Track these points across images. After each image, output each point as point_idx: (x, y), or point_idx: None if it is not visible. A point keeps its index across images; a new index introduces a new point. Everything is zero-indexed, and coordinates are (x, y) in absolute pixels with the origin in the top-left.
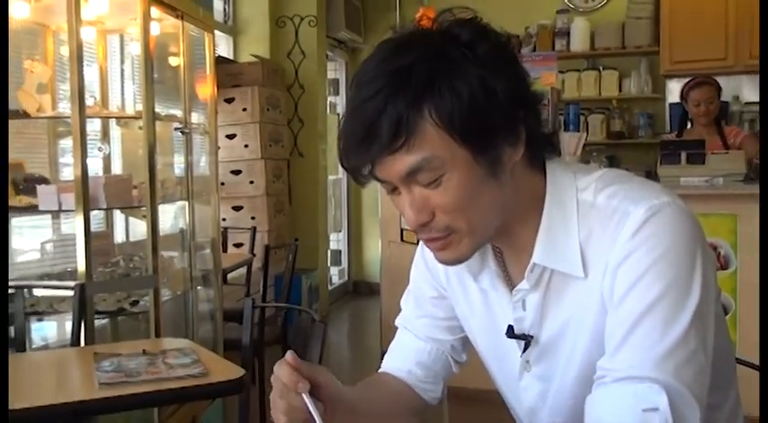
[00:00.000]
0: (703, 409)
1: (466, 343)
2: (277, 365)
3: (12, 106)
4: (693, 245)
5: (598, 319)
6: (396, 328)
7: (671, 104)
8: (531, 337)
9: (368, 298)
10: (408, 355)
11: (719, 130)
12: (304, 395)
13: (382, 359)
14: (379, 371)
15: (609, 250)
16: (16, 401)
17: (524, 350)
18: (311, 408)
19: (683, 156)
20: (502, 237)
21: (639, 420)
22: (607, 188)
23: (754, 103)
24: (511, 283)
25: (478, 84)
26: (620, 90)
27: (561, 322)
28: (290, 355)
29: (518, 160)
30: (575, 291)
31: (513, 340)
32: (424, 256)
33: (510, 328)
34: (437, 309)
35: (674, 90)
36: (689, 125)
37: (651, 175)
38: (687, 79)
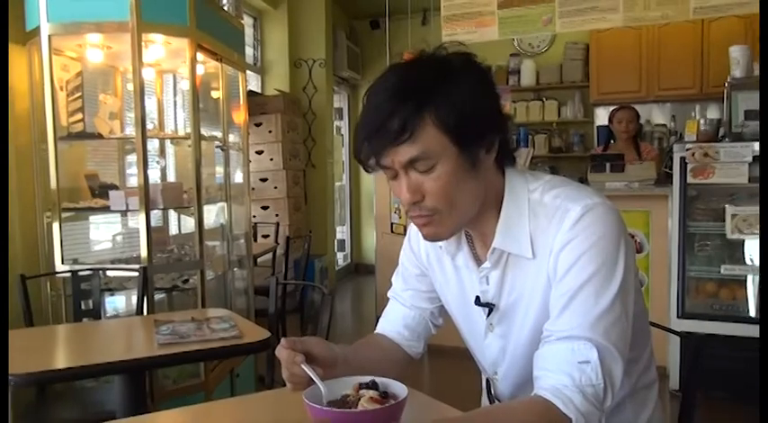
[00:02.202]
0: (625, 362)
1: (442, 310)
2: (277, 349)
3: (89, 130)
4: (618, 235)
5: (545, 291)
6: (387, 299)
7: (598, 126)
8: (493, 304)
9: (366, 276)
10: (397, 319)
11: (636, 146)
12: (303, 365)
13: (377, 323)
14: (375, 332)
15: (553, 238)
16: (95, 358)
17: (488, 315)
18: (310, 373)
19: (608, 166)
20: (472, 225)
21: (576, 370)
22: (552, 190)
23: (661, 124)
24: (478, 262)
25: (468, 99)
26: (559, 115)
27: (516, 293)
28: (284, 340)
29: (490, 164)
30: (526, 269)
31: (479, 308)
32: (410, 243)
33: (477, 298)
34: (420, 283)
35: (600, 115)
36: (612, 142)
37: (583, 181)
38: (612, 106)
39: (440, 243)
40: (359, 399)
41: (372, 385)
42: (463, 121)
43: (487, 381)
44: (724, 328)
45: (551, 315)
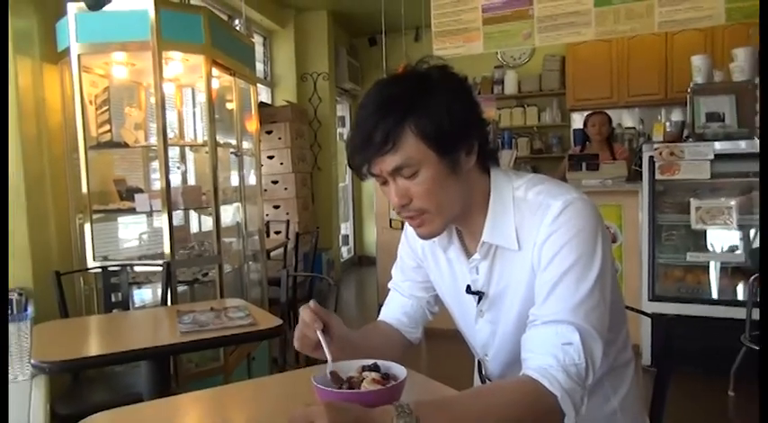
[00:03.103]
0: (604, 343)
1: (437, 299)
2: (302, 308)
3: (116, 139)
4: (595, 227)
5: (530, 280)
6: (388, 289)
7: (574, 129)
8: (483, 293)
9: (368, 267)
10: (396, 308)
11: (610, 147)
12: (318, 332)
13: (379, 310)
14: (377, 319)
15: (536, 231)
16: (123, 346)
17: (478, 302)
18: (323, 340)
19: (584, 165)
20: (462, 222)
21: (560, 351)
22: (534, 187)
23: (631, 127)
24: (468, 254)
25: (445, 108)
26: (539, 120)
27: (504, 282)
28: (313, 302)
29: (472, 166)
30: (512, 260)
31: (470, 295)
32: (407, 237)
33: (468, 286)
34: (416, 275)
35: (576, 120)
36: (588, 143)
37: (563, 179)
38: (586, 112)
39: (433, 239)
40: (362, 380)
41: (374, 368)
42: (441, 129)
43: (479, 361)
44: (690, 310)
45: (536, 301)
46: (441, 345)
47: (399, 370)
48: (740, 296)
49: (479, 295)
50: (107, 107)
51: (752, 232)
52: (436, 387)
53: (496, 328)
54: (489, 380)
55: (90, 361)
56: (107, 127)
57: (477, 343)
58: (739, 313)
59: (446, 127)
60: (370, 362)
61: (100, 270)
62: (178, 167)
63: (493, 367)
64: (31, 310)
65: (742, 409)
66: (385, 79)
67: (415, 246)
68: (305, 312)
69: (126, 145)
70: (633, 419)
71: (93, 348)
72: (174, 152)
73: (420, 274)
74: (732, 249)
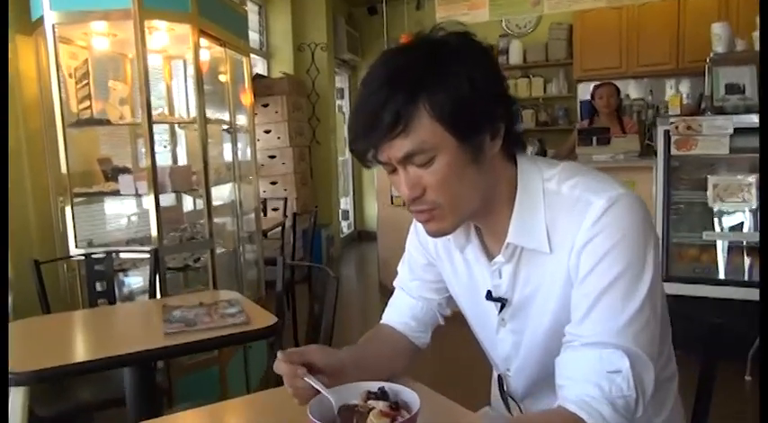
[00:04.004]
0: (656, 367)
1: (450, 301)
2: (276, 364)
3: (98, 115)
4: (645, 230)
5: (564, 288)
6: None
7: (581, 101)
8: (506, 299)
9: (368, 243)
10: (404, 310)
11: (619, 120)
12: (306, 378)
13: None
14: (381, 322)
15: (574, 233)
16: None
17: (500, 310)
18: (315, 384)
19: (594, 139)
20: (481, 219)
21: (605, 380)
22: (569, 179)
23: (639, 98)
24: (489, 256)
25: (466, 82)
26: (545, 91)
27: (531, 288)
28: (281, 354)
29: (496, 152)
30: (542, 263)
31: (491, 302)
32: (417, 232)
33: (489, 292)
34: (427, 274)
35: (583, 91)
36: (596, 116)
37: (571, 154)
38: (594, 82)
39: (448, 236)
40: (369, 410)
41: (382, 395)
42: (461, 108)
43: (499, 377)
44: (705, 291)
45: (573, 317)
46: (449, 329)
47: (410, 397)
48: (758, 277)
49: (502, 302)
50: (87, 81)
51: None
52: (448, 407)
53: (521, 340)
54: (512, 398)
55: (67, 369)
56: (88, 103)
57: (499, 356)
58: (757, 295)
59: (468, 105)
60: (375, 387)
61: (83, 258)
62: (165, 146)
63: (516, 383)
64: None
65: (756, 394)
66: (393, 49)
67: (425, 241)
68: (280, 366)
69: (108, 122)
70: None
71: (72, 354)
72: (163, 129)
73: (431, 272)
74: (750, 228)
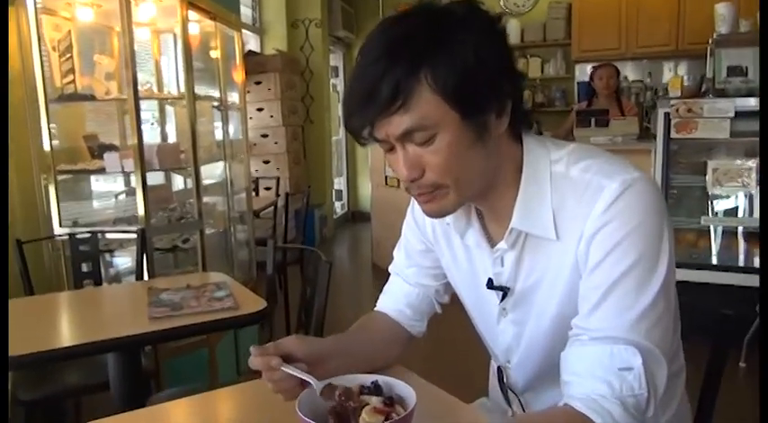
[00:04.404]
0: (669, 364)
1: (448, 287)
2: (249, 361)
3: (83, 90)
4: (661, 218)
5: (571, 278)
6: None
7: (578, 82)
8: (508, 288)
9: (362, 223)
10: (399, 297)
11: (618, 102)
12: (283, 368)
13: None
14: (375, 309)
15: (584, 220)
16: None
17: (502, 299)
18: (293, 371)
19: (593, 121)
20: (484, 201)
21: (616, 378)
22: (580, 162)
23: (638, 80)
24: (491, 242)
25: (472, 53)
26: (542, 72)
27: (535, 277)
28: (253, 349)
29: (502, 131)
30: (548, 251)
31: (492, 291)
32: (414, 215)
33: (490, 280)
34: (424, 259)
35: (581, 72)
36: (595, 98)
37: (569, 135)
38: (592, 63)
39: (447, 220)
40: (361, 406)
41: (375, 390)
42: (466, 81)
43: (499, 369)
44: (702, 276)
45: (582, 309)
46: (444, 311)
47: (406, 392)
48: (756, 263)
49: (504, 291)
50: (71, 54)
51: None
52: (443, 399)
53: (522, 331)
54: (512, 391)
55: (49, 355)
56: (72, 77)
57: (499, 347)
58: (755, 281)
59: (473, 79)
60: (368, 380)
61: (67, 237)
62: (153, 123)
63: (516, 376)
64: None
65: (753, 380)
66: (393, 17)
67: (423, 225)
68: (254, 361)
69: (93, 97)
70: None
71: (55, 338)
72: (151, 106)
73: (429, 258)
74: (749, 213)
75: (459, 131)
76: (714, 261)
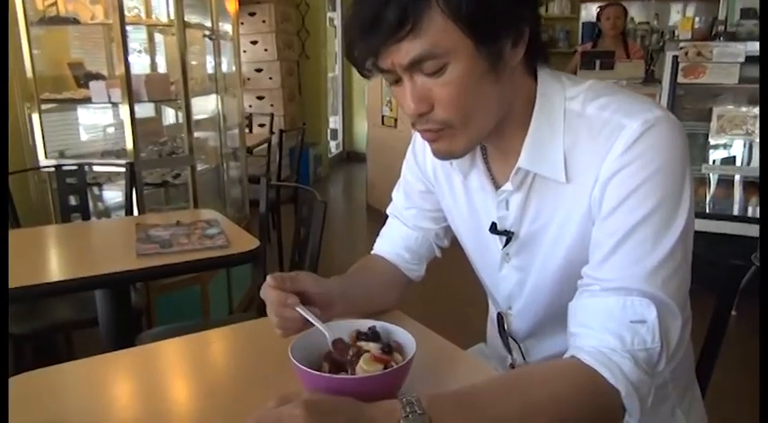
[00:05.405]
0: (683, 317)
1: (448, 231)
2: (263, 289)
3: (65, 14)
4: (684, 161)
5: (582, 223)
6: (385, 216)
7: (583, 23)
8: (512, 232)
9: (357, 163)
10: (397, 240)
11: (624, 44)
12: (298, 308)
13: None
14: (372, 252)
15: (599, 162)
16: (74, 269)
17: (505, 244)
18: (308, 316)
19: (598, 63)
20: (492, 139)
21: (628, 331)
22: (598, 99)
23: (644, 22)
24: (496, 183)
25: None
26: (546, 11)
27: (542, 221)
28: (270, 278)
29: (518, 63)
30: (557, 194)
31: (495, 235)
32: (414, 154)
33: (493, 224)
34: (424, 201)
35: (585, 12)
36: (599, 39)
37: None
38: (599, 3)
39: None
40: (358, 354)
41: (373, 336)
42: (480, 4)
43: (499, 315)
44: (700, 225)
45: (593, 258)
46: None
47: (405, 338)
48: (754, 213)
49: (507, 236)
50: None
51: None
52: (442, 346)
53: (526, 278)
54: (513, 338)
55: (36, 290)
56: None
57: (500, 293)
58: (752, 230)
59: (489, 2)
60: (365, 326)
61: (53, 169)
62: (140, 51)
63: (518, 324)
64: None
65: (741, 328)
66: None
67: (424, 164)
68: (268, 292)
69: (76, 21)
70: (683, 390)
71: (42, 273)
72: (139, 35)
73: (429, 200)
74: (750, 162)
75: (473, 60)
76: (707, 210)
